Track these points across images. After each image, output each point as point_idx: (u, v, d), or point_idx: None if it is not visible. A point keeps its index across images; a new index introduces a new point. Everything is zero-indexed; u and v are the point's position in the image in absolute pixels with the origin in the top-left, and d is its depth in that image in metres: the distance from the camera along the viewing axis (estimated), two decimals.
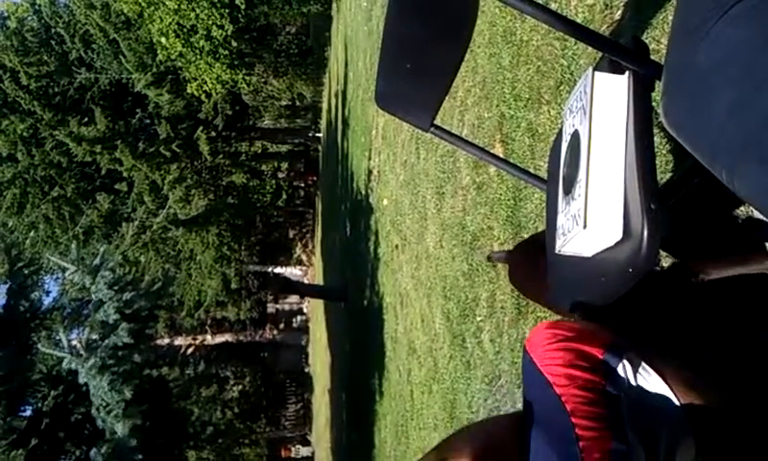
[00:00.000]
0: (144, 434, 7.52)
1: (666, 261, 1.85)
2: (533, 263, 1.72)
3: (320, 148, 21.58)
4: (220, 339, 24.59)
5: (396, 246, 6.05)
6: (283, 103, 21.01)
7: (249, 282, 22.57)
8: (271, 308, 27.06)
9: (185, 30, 14.56)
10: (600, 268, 1.25)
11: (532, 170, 2.56)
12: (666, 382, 1.23)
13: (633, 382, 1.22)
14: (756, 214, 1.32)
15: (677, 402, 1.22)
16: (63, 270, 8.79)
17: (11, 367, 7.48)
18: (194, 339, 23.16)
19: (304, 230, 26.75)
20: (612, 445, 1.12)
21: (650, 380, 1.23)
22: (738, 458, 1.34)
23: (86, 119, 16.34)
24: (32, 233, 16.69)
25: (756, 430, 1.35)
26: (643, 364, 1.24)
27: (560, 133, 1.45)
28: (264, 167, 22.42)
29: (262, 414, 24.52)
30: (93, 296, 7.80)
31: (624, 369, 1.22)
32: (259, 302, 24.59)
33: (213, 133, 17.99)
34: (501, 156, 3.13)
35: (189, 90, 15.78)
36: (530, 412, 1.26)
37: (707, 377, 1.48)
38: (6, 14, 17.97)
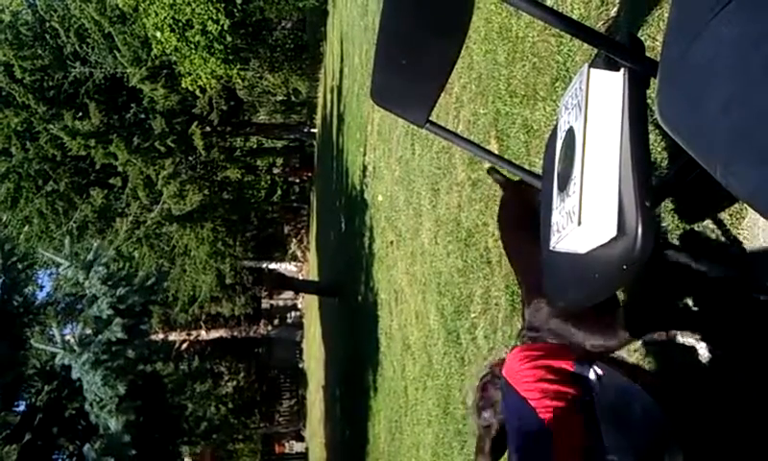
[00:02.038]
0: (138, 429, 7.50)
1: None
2: (520, 206, 1.72)
3: (315, 144, 21.55)
4: (214, 335, 24.56)
5: (391, 242, 6.05)
6: (278, 98, 20.96)
7: (243, 278, 22.53)
8: (265, 304, 27.04)
9: (180, 24, 14.51)
10: (594, 265, 1.25)
11: (527, 167, 2.57)
12: (637, 382, 1.26)
13: (609, 392, 1.26)
14: None
15: (660, 412, 1.25)
16: (57, 265, 8.76)
17: (4, 362, 7.44)
18: (188, 335, 23.14)
19: (299, 226, 26.73)
20: (585, 442, 1.15)
21: (632, 391, 1.27)
22: (722, 450, 1.36)
23: (81, 113, 16.26)
24: (25, 228, 16.62)
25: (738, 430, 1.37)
26: (618, 374, 1.28)
27: (555, 130, 1.45)
28: (259, 163, 22.36)
29: (256, 409, 24.52)
30: (87, 291, 7.77)
31: (597, 377, 1.26)
32: (254, 297, 24.56)
33: (208, 129, 17.94)
34: (496, 152, 3.13)
35: (184, 85, 15.73)
36: (511, 432, 1.30)
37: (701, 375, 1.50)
38: (0, 8, 17.88)
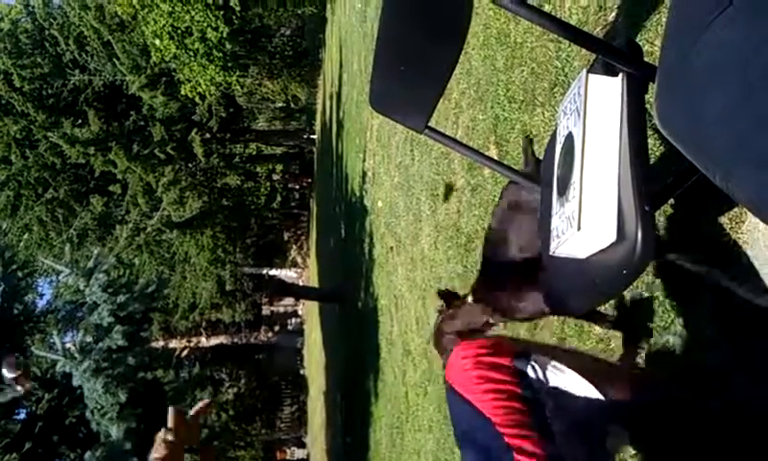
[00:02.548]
0: (138, 437, 7.48)
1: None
2: (518, 203, 1.76)
3: (314, 150, 21.57)
4: (215, 341, 24.55)
5: (391, 248, 6.05)
6: (278, 105, 21.01)
7: (243, 285, 22.54)
8: (266, 310, 27.03)
9: (179, 32, 14.55)
10: (594, 270, 1.25)
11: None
12: (581, 375, 1.25)
13: (550, 381, 1.25)
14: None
15: (598, 395, 1.24)
16: (57, 273, 8.76)
17: None
18: (189, 341, 23.12)
19: (299, 233, 26.74)
20: (545, 448, 1.14)
21: (565, 377, 1.26)
22: (676, 441, 1.36)
23: (80, 121, 16.30)
24: (25, 236, 16.63)
25: (707, 421, 1.37)
26: (553, 362, 1.27)
27: (554, 135, 1.45)
28: (259, 169, 22.39)
29: (257, 416, 24.49)
30: (87, 298, 7.76)
31: (534, 370, 1.25)
32: (254, 304, 24.57)
33: (207, 136, 17.97)
34: (496, 157, 3.13)
35: (183, 92, 15.76)
36: (459, 437, 1.29)
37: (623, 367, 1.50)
38: None
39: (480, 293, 1.81)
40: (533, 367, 1.27)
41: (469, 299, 1.80)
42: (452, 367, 1.33)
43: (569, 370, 1.27)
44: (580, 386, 1.25)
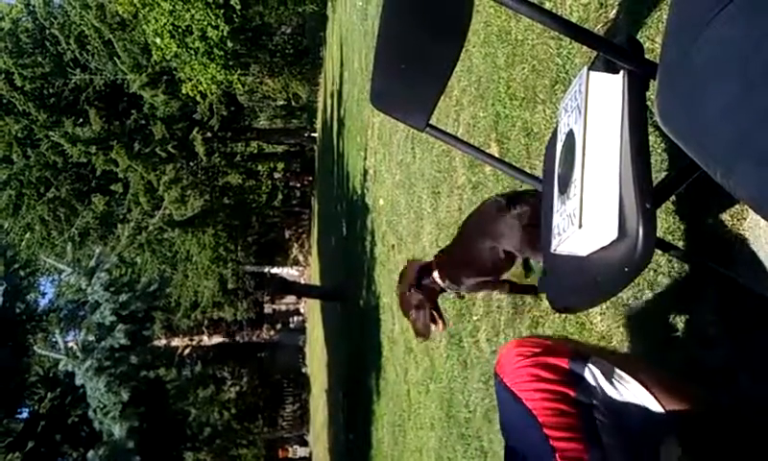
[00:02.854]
0: (141, 436, 7.50)
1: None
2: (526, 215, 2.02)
3: (315, 148, 21.57)
4: (217, 340, 24.57)
5: (393, 246, 6.05)
6: (279, 103, 21.01)
7: (245, 283, 22.55)
8: (268, 309, 27.06)
9: (180, 30, 14.54)
10: (596, 267, 1.25)
11: (527, 169, 2.57)
12: (643, 385, 1.24)
13: (606, 388, 1.23)
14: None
15: (658, 407, 1.22)
16: (59, 272, 8.77)
17: (6, 369, 7.45)
18: (191, 340, 23.15)
19: (301, 231, 26.76)
20: (589, 454, 1.13)
21: (628, 387, 1.24)
22: (725, 458, 1.35)
23: (81, 120, 16.31)
24: (27, 235, 16.65)
25: (740, 430, 1.36)
26: (616, 370, 1.25)
27: (555, 133, 1.45)
28: (260, 167, 22.40)
29: (260, 414, 24.49)
30: (89, 297, 7.78)
31: (593, 375, 1.24)
32: (256, 302, 24.58)
33: (209, 134, 17.97)
34: (497, 155, 3.13)
35: (184, 91, 15.76)
36: (506, 431, 1.28)
37: (688, 380, 1.49)
38: (0, 15, 17.92)
39: (442, 259, 2.38)
40: (590, 371, 1.24)
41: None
42: (504, 360, 1.31)
43: (632, 379, 1.25)
44: (640, 396, 1.24)
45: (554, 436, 1.14)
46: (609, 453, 1.15)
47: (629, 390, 1.24)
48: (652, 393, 1.23)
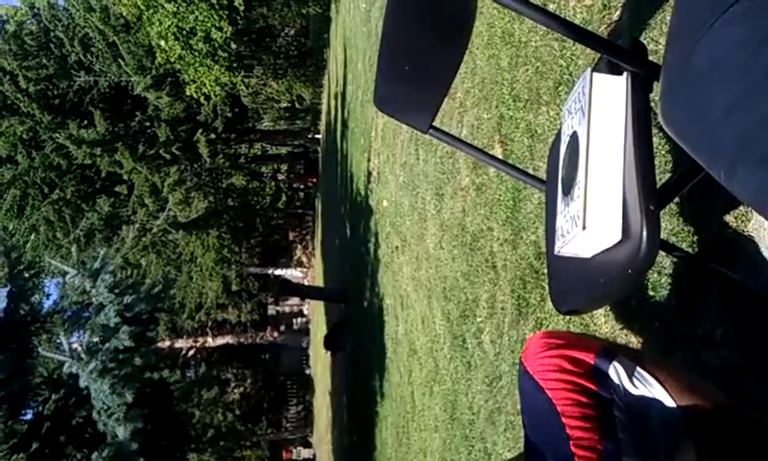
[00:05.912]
0: (145, 437, 7.52)
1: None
2: None
3: (319, 150, 21.58)
4: (221, 341, 24.60)
5: (396, 247, 6.05)
6: (282, 105, 21.02)
7: (249, 284, 22.58)
8: (271, 310, 27.09)
9: (184, 32, 14.58)
10: (599, 269, 1.25)
11: (531, 171, 2.57)
12: (662, 385, 1.24)
13: (628, 387, 1.24)
14: None
15: (674, 405, 1.23)
16: (64, 273, 8.80)
17: (11, 371, 7.47)
18: (195, 342, 23.19)
19: (304, 232, 26.77)
20: (603, 445, 1.14)
21: (647, 385, 1.25)
22: (740, 459, 1.35)
23: (86, 122, 16.35)
24: (32, 236, 16.68)
25: (757, 431, 1.36)
26: (638, 369, 1.26)
27: (558, 134, 1.45)
28: (264, 169, 22.44)
29: (263, 416, 24.54)
30: (94, 299, 7.80)
31: (617, 373, 1.24)
32: (260, 304, 24.61)
33: (213, 136, 18.01)
34: (500, 157, 3.13)
35: (188, 93, 15.80)
36: (526, 418, 1.29)
37: (706, 378, 1.49)
38: (5, 18, 17.98)
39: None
40: (615, 369, 1.26)
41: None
42: (530, 349, 1.32)
43: (653, 379, 1.26)
44: (661, 397, 1.24)
45: (570, 425, 1.16)
46: (623, 448, 1.16)
47: (650, 391, 1.25)
48: (671, 393, 1.24)
